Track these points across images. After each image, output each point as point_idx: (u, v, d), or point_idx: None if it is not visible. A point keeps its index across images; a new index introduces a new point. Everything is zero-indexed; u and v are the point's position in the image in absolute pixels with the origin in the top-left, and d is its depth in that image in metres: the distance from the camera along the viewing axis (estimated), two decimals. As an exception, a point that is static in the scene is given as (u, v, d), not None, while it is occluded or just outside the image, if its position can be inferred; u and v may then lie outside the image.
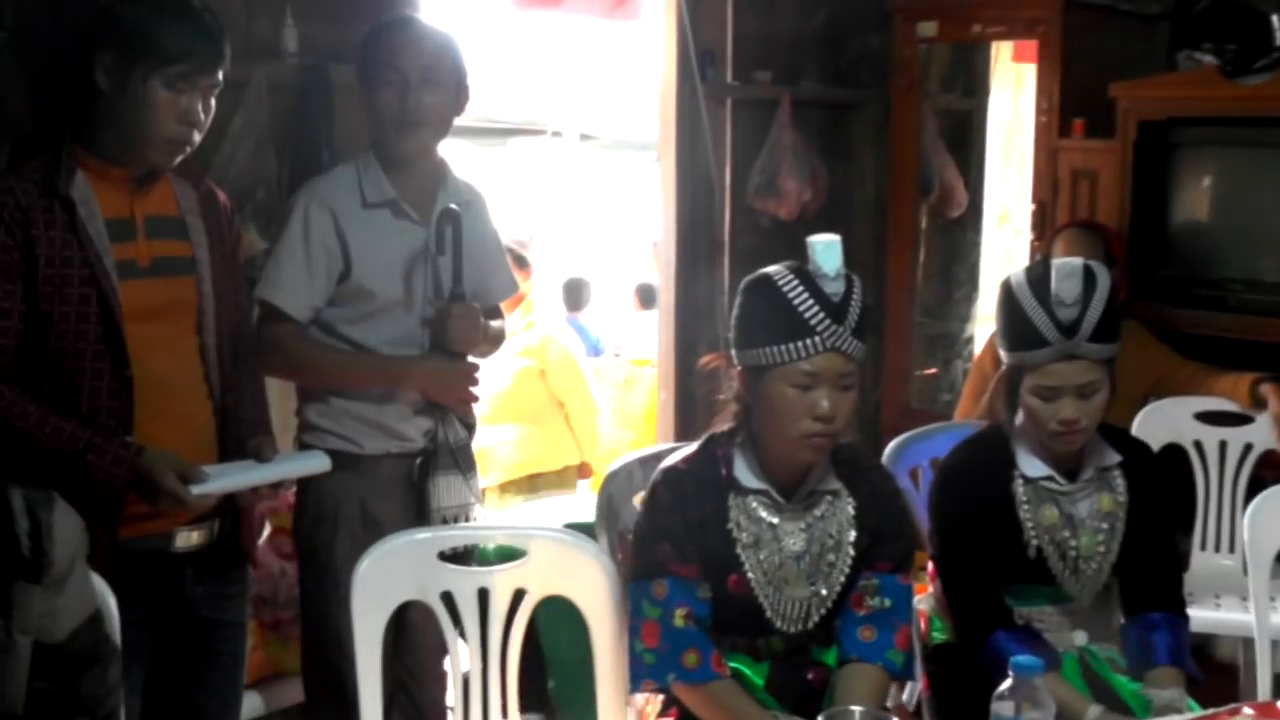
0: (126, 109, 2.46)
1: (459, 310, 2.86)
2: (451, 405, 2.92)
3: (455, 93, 2.92)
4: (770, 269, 2.42)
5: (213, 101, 2.55)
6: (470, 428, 2.97)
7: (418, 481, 2.89)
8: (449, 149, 3.04)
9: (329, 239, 2.83)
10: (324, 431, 2.89)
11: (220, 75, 2.54)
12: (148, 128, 2.47)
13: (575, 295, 6.78)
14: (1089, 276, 2.57)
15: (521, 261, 5.34)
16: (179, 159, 2.55)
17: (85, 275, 2.43)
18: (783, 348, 2.35)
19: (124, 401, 2.46)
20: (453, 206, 2.88)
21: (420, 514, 2.87)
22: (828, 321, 2.34)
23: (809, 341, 2.34)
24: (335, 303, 2.87)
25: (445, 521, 2.85)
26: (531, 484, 5.21)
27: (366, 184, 2.88)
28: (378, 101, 2.86)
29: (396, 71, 2.84)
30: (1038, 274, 2.61)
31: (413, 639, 2.86)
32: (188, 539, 2.57)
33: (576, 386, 5.35)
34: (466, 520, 2.90)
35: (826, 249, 2.36)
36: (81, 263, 2.43)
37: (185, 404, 2.58)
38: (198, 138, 2.54)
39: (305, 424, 2.94)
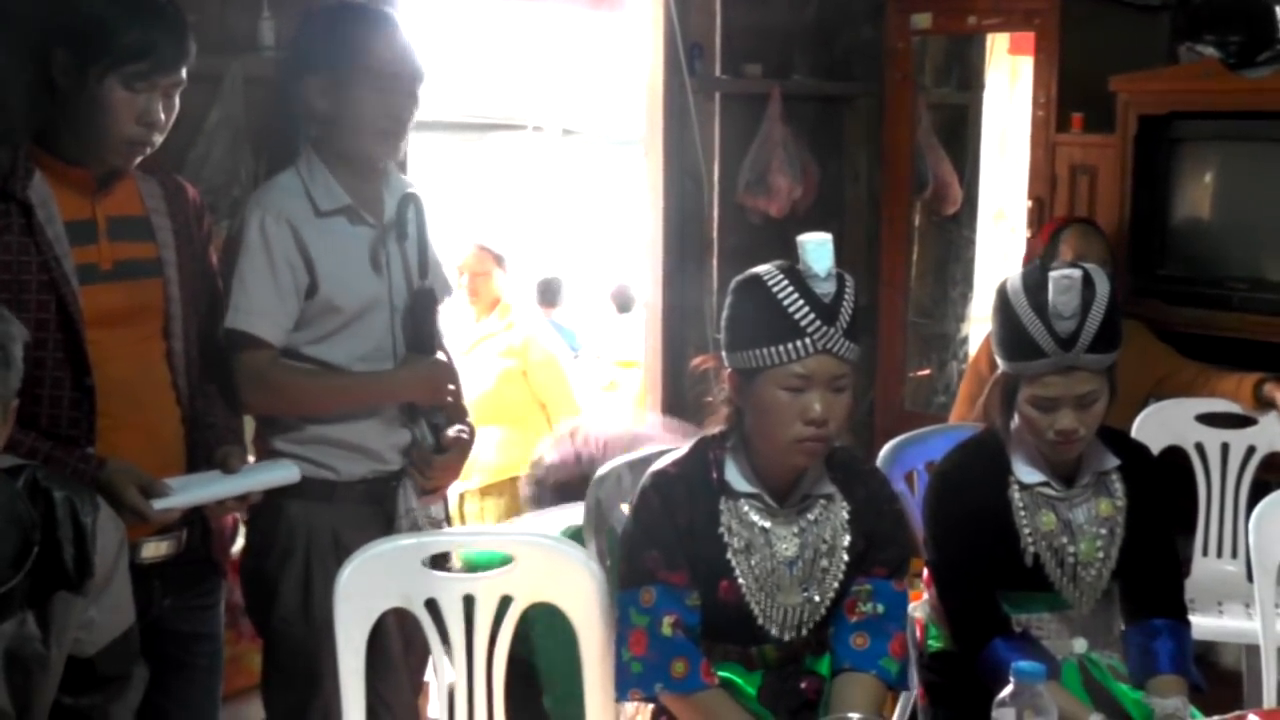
0: (83, 109, 2.37)
1: (429, 368, 2.77)
2: (441, 403, 2.81)
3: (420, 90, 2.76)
4: (760, 269, 2.38)
5: (176, 100, 2.45)
6: (435, 428, 2.82)
7: (392, 489, 2.76)
8: (426, 144, 2.95)
9: (291, 254, 2.65)
10: (294, 459, 2.70)
11: (183, 73, 2.43)
12: (104, 129, 2.38)
13: (549, 293, 6.76)
14: (1088, 285, 2.52)
15: (499, 260, 5.31)
16: (139, 159, 2.46)
17: (44, 280, 2.35)
18: (773, 349, 2.31)
19: (85, 411, 2.39)
20: (413, 190, 2.77)
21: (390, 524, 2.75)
22: (819, 323, 2.30)
23: (800, 343, 2.30)
24: (297, 324, 2.69)
25: (415, 524, 2.74)
26: (513, 487, 5.12)
27: (316, 191, 2.70)
28: (357, 105, 2.66)
29: (383, 77, 2.66)
30: (1035, 281, 2.55)
31: (386, 663, 2.72)
32: (155, 549, 2.50)
33: (559, 388, 5.30)
34: (434, 525, 2.80)
35: (817, 248, 2.32)
36: (39, 267, 2.35)
37: (151, 412, 2.50)
38: (159, 139, 2.45)
39: (269, 453, 2.75)
